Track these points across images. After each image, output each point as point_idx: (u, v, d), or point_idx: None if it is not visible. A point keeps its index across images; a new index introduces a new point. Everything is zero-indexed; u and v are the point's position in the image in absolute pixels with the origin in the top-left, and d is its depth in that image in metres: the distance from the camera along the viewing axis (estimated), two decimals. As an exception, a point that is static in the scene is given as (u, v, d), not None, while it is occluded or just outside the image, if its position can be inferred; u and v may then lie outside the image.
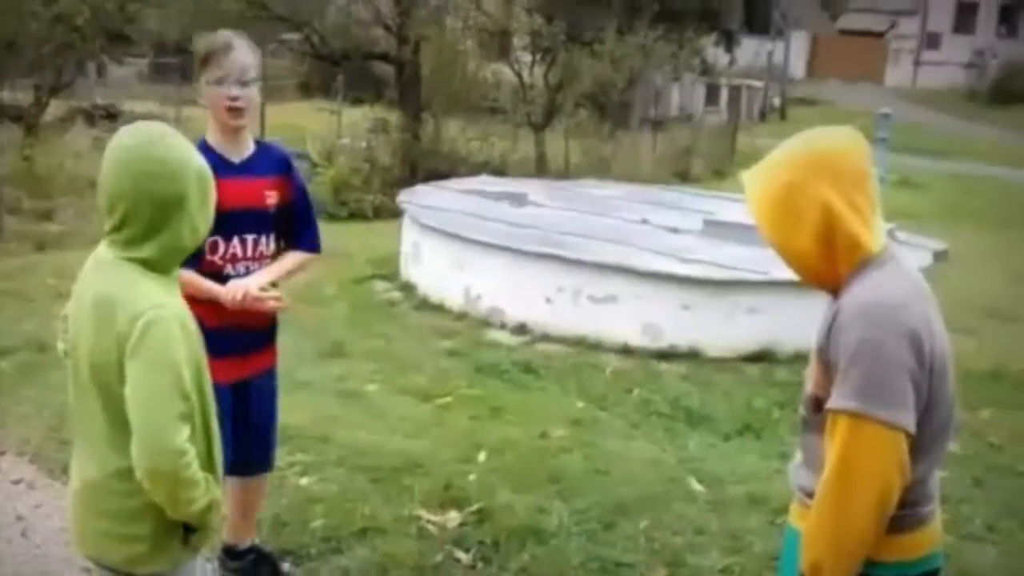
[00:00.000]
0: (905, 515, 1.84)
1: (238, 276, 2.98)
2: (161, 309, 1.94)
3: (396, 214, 8.72)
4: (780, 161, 1.91)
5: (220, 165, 2.79)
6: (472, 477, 4.34)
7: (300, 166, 3.42)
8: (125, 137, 1.99)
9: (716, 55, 29.04)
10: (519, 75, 17.40)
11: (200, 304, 2.64)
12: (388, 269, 8.38)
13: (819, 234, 1.85)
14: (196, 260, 2.80)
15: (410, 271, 8.04)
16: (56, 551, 3.64)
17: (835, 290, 1.91)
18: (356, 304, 7.46)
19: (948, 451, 1.94)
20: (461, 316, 7.14)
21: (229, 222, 2.82)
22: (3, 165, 10.75)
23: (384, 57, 17.05)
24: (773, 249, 1.95)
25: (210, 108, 2.92)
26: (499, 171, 14.14)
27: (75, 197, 11.26)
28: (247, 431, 3.14)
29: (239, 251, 2.99)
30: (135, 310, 1.92)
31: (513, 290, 6.99)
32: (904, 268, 1.89)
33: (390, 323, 6.95)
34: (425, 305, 7.47)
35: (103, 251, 2.04)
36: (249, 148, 3.04)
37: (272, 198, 3.04)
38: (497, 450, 4.67)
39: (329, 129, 14.89)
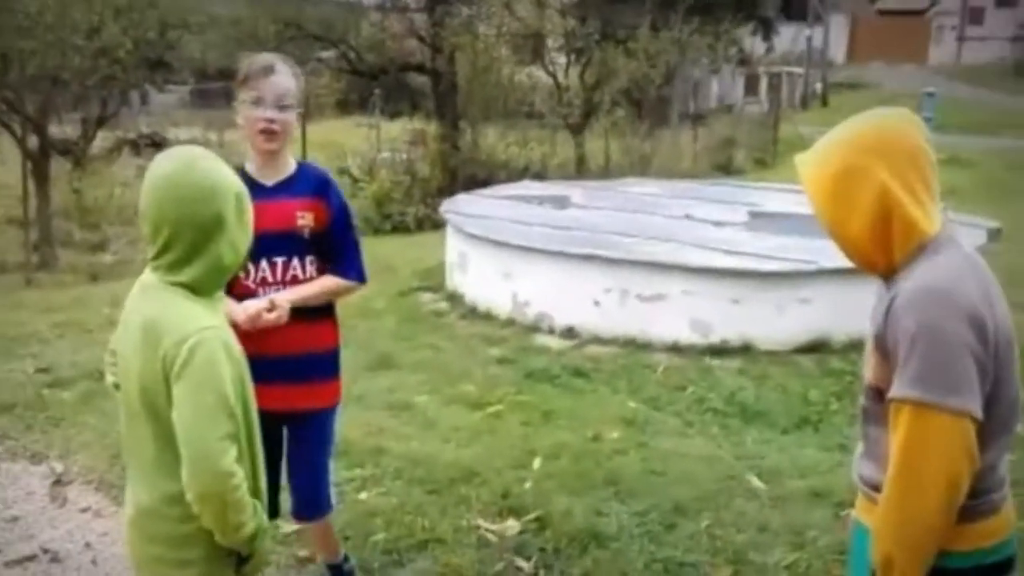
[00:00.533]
0: (978, 503, 1.80)
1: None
2: (206, 332, 1.96)
3: (438, 225, 8.76)
4: (835, 144, 1.88)
5: (251, 189, 2.69)
6: (528, 484, 4.33)
7: (340, 182, 3.30)
8: (162, 164, 2.03)
9: (753, 44, 28.79)
10: (554, 77, 17.39)
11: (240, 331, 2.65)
12: (434, 280, 8.42)
13: (875, 218, 1.81)
14: (230, 285, 2.75)
15: (456, 281, 8.07)
16: (124, 576, 3.71)
17: (888, 276, 1.86)
18: (403, 316, 7.50)
19: (1016, 434, 1.88)
20: (509, 323, 7.14)
21: (259, 245, 2.70)
22: (54, 199, 11.00)
23: (419, 68, 17.18)
24: (827, 233, 1.91)
25: (245, 128, 2.89)
26: (539, 175, 14.14)
27: (125, 227, 11.49)
28: (296, 471, 3.10)
29: (269, 275, 2.92)
30: (181, 334, 1.94)
31: (560, 294, 6.97)
32: (963, 250, 1.84)
33: (438, 333, 6.97)
34: (472, 314, 7.48)
35: (147, 277, 2.08)
36: (286, 171, 2.97)
37: (305, 219, 2.92)
38: (552, 455, 4.65)
39: (368, 144, 15.03)
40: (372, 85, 17.80)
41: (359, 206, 11.81)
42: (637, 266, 6.66)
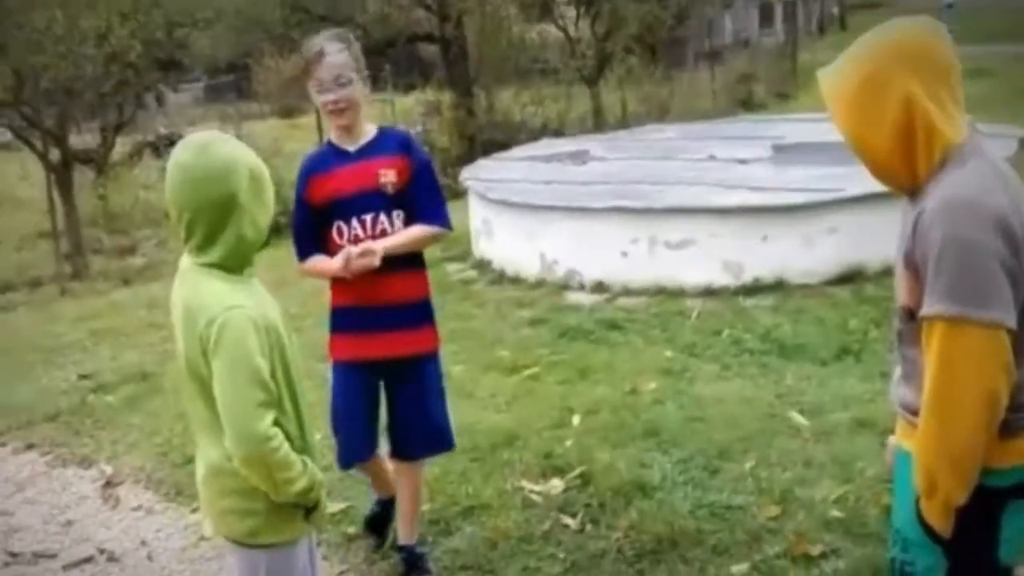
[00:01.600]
0: (1019, 417, 1.75)
1: None
2: (231, 311, 2.07)
3: (459, 194, 8.71)
4: (857, 55, 1.82)
5: (335, 158, 3.17)
6: (569, 442, 4.32)
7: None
8: (178, 151, 2.15)
9: (764, -25, 28.17)
10: (565, 31, 17.19)
11: (338, 284, 3.15)
12: (459, 249, 8.39)
13: (899, 128, 1.76)
14: (323, 246, 3.14)
15: (482, 247, 8.04)
16: (180, 570, 3.77)
17: (913, 191, 1.82)
18: (432, 288, 7.48)
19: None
20: (538, 284, 7.11)
21: (347, 206, 3.12)
22: (80, 208, 11.13)
23: (428, 38, 17.05)
24: (850, 147, 1.86)
25: (322, 111, 3.16)
26: (557, 132, 14.03)
27: (153, 229, 11.61)
28: (408, 414, 3.28)
29: (360, 231, 3.13)
30: (210, 314, 2.08)
31: (587, 249, 6.92)
32: (990, 159, 1.78)
33: (468, 302, 6.96)
34: (501, 279, 7.47)
35: (184, 261, 2.22)
36: (367, 136, 3.19)
37: (388, 177, 3.13)
38: (591, 412, 4.64)
39: (383, 119, 14.97)
40: (382, 60, 17.72)
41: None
42: (662, 213, 6.59)
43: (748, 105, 17.21)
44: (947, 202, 1.69)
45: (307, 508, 2.25)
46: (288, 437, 2.15)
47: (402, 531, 3.48)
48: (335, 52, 3.03)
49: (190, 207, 2.10)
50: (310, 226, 3.21)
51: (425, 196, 3.21)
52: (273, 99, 25.77)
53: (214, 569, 3.70)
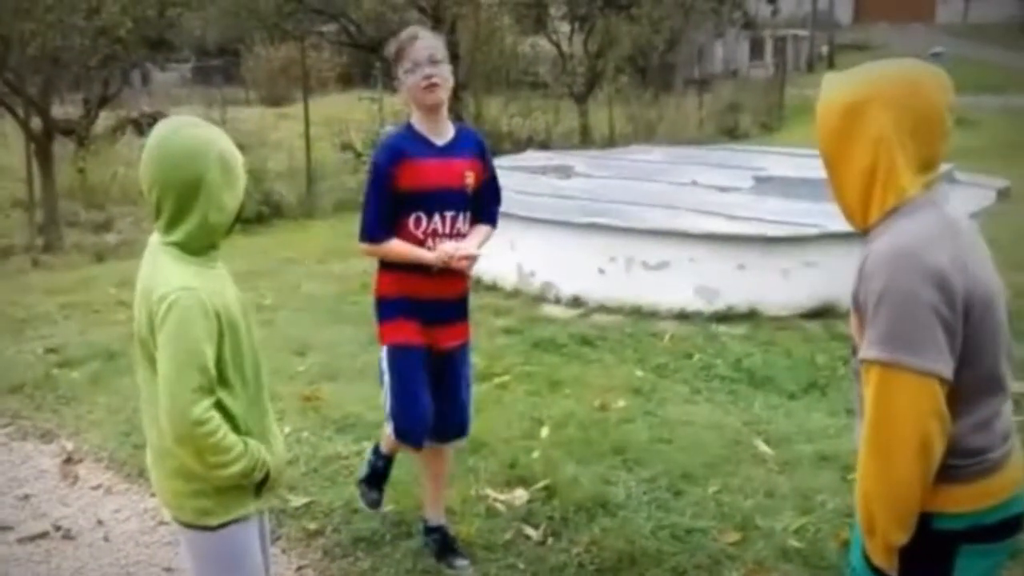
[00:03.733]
0: (972, 463, 1.78)
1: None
2: (184, 292, 2.10)
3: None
4: (851, 82, 1.85)
5: (424, 147, 3.22)
6: (536, 454, 4.34)
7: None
8: (155, 131, 2.20)
9: (758, 7, 28.48)
10: (558, 46, 17.27)
11: (391, 275, 3.29)
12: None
13: (863, 166, 1.80)
14: (398, 232, 3.21)
15: (461, 252, 8.03)
16: (136, 553, 3.74)
17: (863, 230, 1.86)
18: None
19: (1015, 392, 1.86)
20: (515, 294, 7.14)
21: (432, 199, 3.21)
22: (58, 180, 10.99)
23: (421, 40, 17.02)
24: (824, 166, 1.89)
25: (410, 94, 3.18)
26: (544, 145, 14.07)
27: (130, 206, 11.48)
28: (444, 401, 3.40)
29: (439, 227, 3.23)
30: (162, 291, 2.11)
31: (565, 263, 6.96)
32: (941, 211, 1.81)
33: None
34: (478, 286, 7.45)
35: (153, 238, 2.26)
36: (450, 131, 3.27)
37: (470, 179, 3.27)
38: (559, 424, 4.67)
39: (371, 118, 14.93)
40: (374, 58, 17.68)
41: (362, 181, 11.79)
42: (642, 234, 6.64)
43: (733, 134, 17.36)
44: (889, 251, 1.73)
45: (257, 484, 2.27)
46: (233, 420, 2.19)
47: (434, 512, 3.60)
48: (429, 36, 3.20)
49: (158, 185, 2.14)
50: (389, 207, 3.20)
51: (493, 200, 3.43)
52: (261, 87, 25.65)
53: (170, 554, 3.67)
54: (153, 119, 17.93)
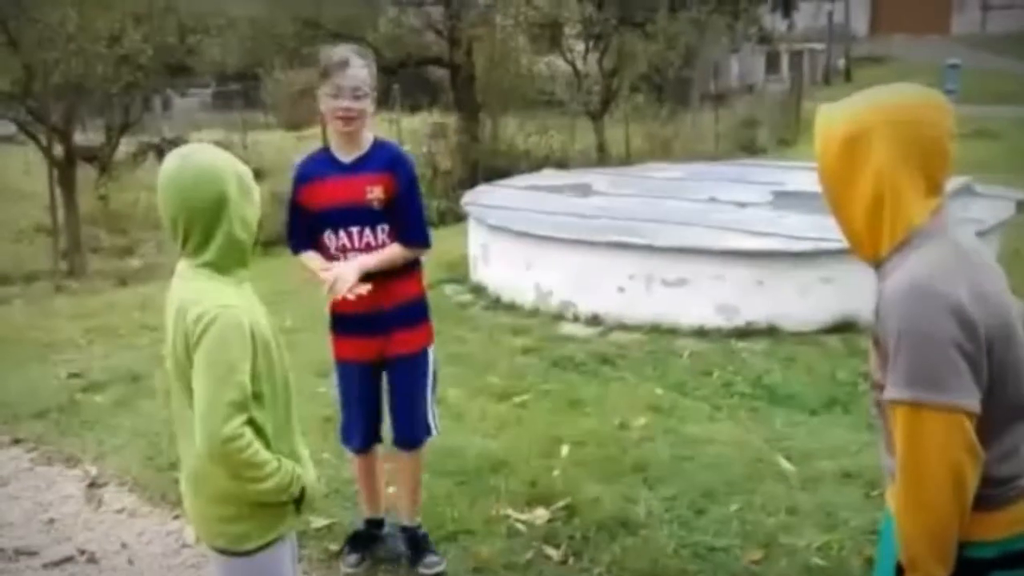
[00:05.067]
0: (1004, 491, 1.77)
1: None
2: (222, 309, 2.15)
3: (460, 218, 8.76)
4: (851, 111, 1.83)
5: (330, 166, 3.33)
6: (556, 472, 4.34)
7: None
8: (166, 165, 2.25)
9: (774, 21, 28.40)
10: (573, 65, 17.30)
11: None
12: (457, 272, 8.43)
13: (869, 199, 1.78)
14: (319, 248, 3.36)
15: (479, 273, 8.08)
16: (160, 575, 3.76)
17: (875, 264, 1.84)
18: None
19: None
20: (533, 313, 7.14)
21: (335, 216, 3.30)
22: (81, 206, 11.13)
23: (437, 61, 17.16)
24: (827, 202, 1.88)
25: (327, 115, 3.28)
26: (560, 164, 14.09)
27: (152, 231, 11.62)
28: (392, 408, 3.54)
29: (347, 242, 3.32)
30: (200, 309, 2.15)
31: (584, 282, 6.96)
32: (952, 240, 1.79)
33: (463, 326, 6.98)
34: (497, 305, 7.49)
35: (181, 265, 2.31)
36: (362, 149, 3.33)
37: (375, 193, 3.29)
38: (579, 443, 4.66)
39: (389, 138, 15.09)
40: (391, 80, 17.82)
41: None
42: (660, 251, 6.63)
43: (750, 149, 17.33)
44: (905, 288, 1.71)
45: (295, 501, 2.30)
46: (265, 438, 2.21)
47: (406, 513, 3.67)
48: (359, 65, 3.21)
49: (183, 212, 2.19)
50: (303, 224, 3.40)
51: (405, 214, 3.37)
52: (281, 111, 25.85)
53: (194, 577, 3.69)
54: (174, 144, 18.08)
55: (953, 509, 1.71)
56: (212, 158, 2.25)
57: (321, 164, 3.37)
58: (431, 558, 3.58)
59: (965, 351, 1.68)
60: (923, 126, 1.76)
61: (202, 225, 2.20)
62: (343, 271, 3.20)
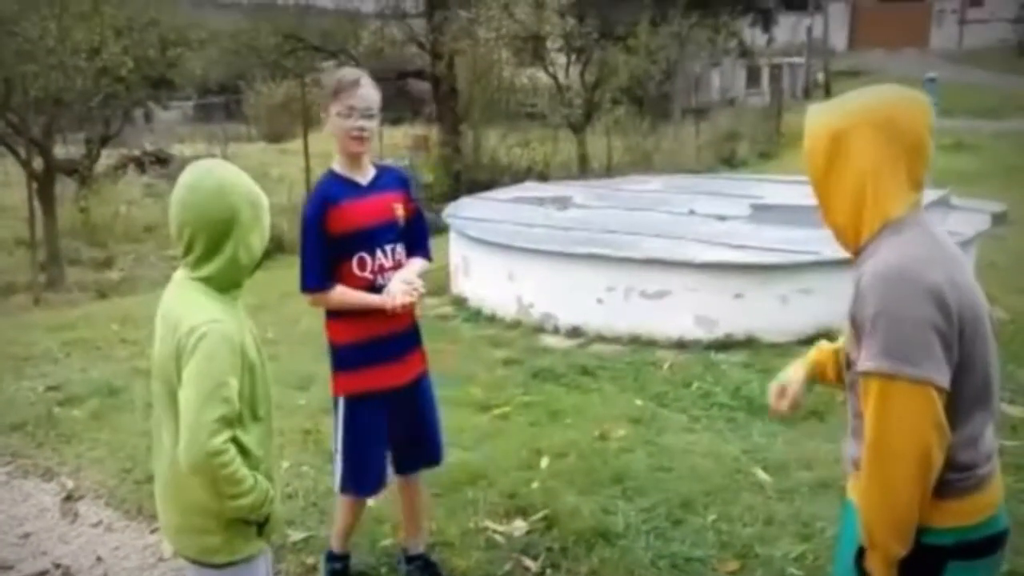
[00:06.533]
0: (961, 477, 1.82)
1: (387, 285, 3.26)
2: (215, 324, 2.17)
3: (442, 230, 8.76)
4: (837, 110, 1.91)
5: (350, 189, 3.26)
6: (535, 484, 4.34)
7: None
8: (185, 175, 2.29)
9: (754, 36, 28.69)
10: (555, 78, 17.39)
11: (341, 321, 3.27)
12: (438, 284, 8.43)
13: (851, 193, 1.86)
14: (340, 278, 3.21)
15: (460, 285, 8.09)
16: (136, 589, 3.74)
17: (854, 251, 1.91)
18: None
19: (1014, 416, 1.89)
20: (514, 325, 7.16)
21: (371, 237, 3.26)
22: (60, 218, 11.07)
23: (419, 74, 17.20)
24: (813, 192, 1.95)
25: (336, 136, 3.24)
26: (542, 176, 14.15)
27: (132, 244, 11.56)
28: (411, 432, 3.45)
29: (385, 262, 3.29)
30: (193, 322, 2.17)
31: (564, 294, 6.99)
32: (928, 231, 1.87)
33: (443, 338, 6.98)
34: (478, 317, 7.50)
35: (178, 274, 2.34)
36: (371, 170, 3.33)
37: (399, 211, 3.33)
38: (559, 455, 4.67)
39: (371, 151, 15.10)
40: (373, 93, 17.83)
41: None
42: (640, 263, 6.67)
43: (731, 162, 17.47)
44: (884, 270, 1.78)
45: (259, 523, 2.32)
46: (245, 454, 2.23)
47: (414, 541, 3.63)
48: (369, 85, 3.21)
49: (191, 223, 2.22)
50: (325, 256, 3.21)
51: (421, 231, 3.45)
52: (262, 123, 25.85)
53: (170, 591, 3.67)
54: (155, 157, 18.12)
55: (917, 484, 1.75)
56: (233, 178, 2.27)
57: (342, 188, 3.26)
58: None
59: (940, 331, 1.73)
60: (905, 123, 1.84)
61: (207, 240, 2.22)
62: (403, 283, 3.20)
